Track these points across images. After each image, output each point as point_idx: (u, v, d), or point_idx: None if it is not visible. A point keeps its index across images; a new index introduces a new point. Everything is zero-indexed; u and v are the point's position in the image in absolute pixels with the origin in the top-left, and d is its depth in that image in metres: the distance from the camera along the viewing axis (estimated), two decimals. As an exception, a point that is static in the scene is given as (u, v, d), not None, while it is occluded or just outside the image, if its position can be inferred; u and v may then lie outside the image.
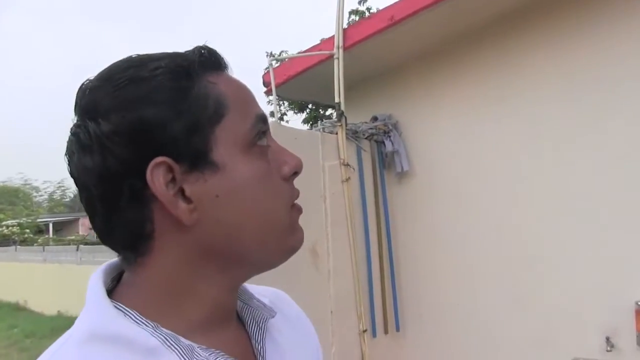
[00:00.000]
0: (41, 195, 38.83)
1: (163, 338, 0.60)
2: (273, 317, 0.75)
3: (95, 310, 0.62)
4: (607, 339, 2.56)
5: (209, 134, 0.62)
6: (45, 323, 11.82)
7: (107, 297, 0.63)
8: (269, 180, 0.66)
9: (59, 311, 12.90)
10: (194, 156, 0.61)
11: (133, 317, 0.62)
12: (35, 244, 18.94)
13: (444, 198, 3.35)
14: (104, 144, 0.59)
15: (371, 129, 3.42)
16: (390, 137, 3.44)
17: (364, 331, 3.13)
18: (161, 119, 0.59)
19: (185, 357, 0.60)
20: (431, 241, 3.41)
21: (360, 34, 3.19)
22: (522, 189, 2.98)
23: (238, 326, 0.73)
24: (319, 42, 3.70)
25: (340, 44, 3.22)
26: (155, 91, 0.60)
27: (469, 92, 3.21)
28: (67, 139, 0.64)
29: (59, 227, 29.77)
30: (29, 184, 36.81)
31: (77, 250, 13.72)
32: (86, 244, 16.14)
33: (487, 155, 3.12)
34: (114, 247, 0.66)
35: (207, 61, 0.65)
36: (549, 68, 2.85)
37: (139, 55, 0.65)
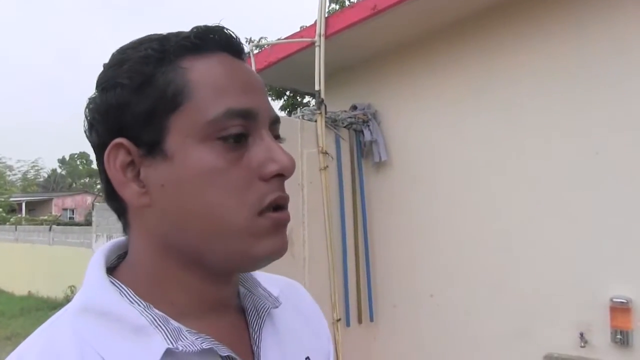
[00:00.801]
0: (15, 175, 38.17)
1: (152, 318, 0.61)
2: (277, 307, 0.74)
3: (91, 285, 0.64)
4: (581, 334, 2.57)
5: (163, 122, 0.61)
6: (15, 303, 11.78)
7: (104, 273, 0.64)
8: (221, 176, 0.61)
9: (29, 291, 12.84)
10: (149, 142, 0.61)
11: (128, 296, 0.63)
12: (7, 223, 18.65)
13: (421, 188, 3.33)
14: (91, 118, 0.65)
15: (350, 117, 3.38)
16: (369, 126, 3.41)
17: (338, 320, 3.11)
18: (124, 102, 0.61)
19: (170, 338, 0.59)
20: (407, 231, 3.40)
21: (342, 23, 3.14)
22: (499, 181, 2.97)
23: (237, 313, 0.72)
24: (299, 29, 3.64)
25: (322, 32, 3.18)
26: (124, 75, 0.62)
27: (449, 84, 3.19)
28: None
29: (32, 206, 29.46)
30: (2, 163, 36.10)
31: (50, 230, 13.55)
32: (59, 224, 15.98)
33: (466, 146, 3.10)
34: (115, 213, 0.69)
35: (190, 44, 0.63)
36: (529, 61, 2.84)
37: (147, 36, 0.67)
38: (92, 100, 0.65)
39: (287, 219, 0.66)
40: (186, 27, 0.67)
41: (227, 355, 0.63)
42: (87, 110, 0.65)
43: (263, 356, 0.68)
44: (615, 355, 2.49)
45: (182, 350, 0.59)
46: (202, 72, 0.62)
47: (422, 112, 3.33)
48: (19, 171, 38.25)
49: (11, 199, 26.52)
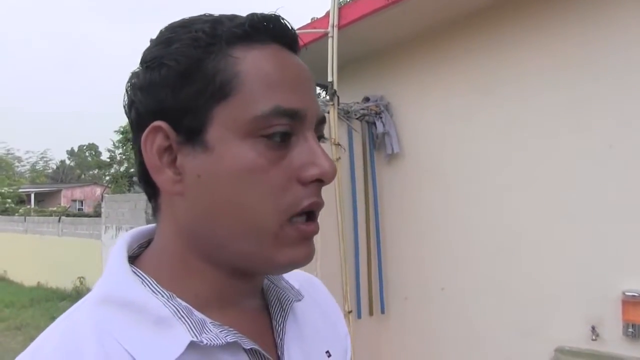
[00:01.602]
0: (23, 166, 38.44)
1: (175, 309, 0.59)
2: (299, 300, 0.72)
3: (112, 274, 0.62)
4: (593, 328, 2.57)
5: (207, 111, 0.58)
6: (24, 294, 11.78)
7: (126, 262, 0.63)
8: (260, 176, 0.58)
9: (38, 282, 12.87)
10: (190, 129, 0.59)
11: (150, 285, 0.61)
12: (16, 214, 18.75)
13: (432, 181, 3.33)
14: (132, 95, 0.62)
15: (363, 109, 3.39)
16: (381, 118, 3.41)
17: (349, 312, 3.12)
18: (168, 85, 0.59)
19: (194, 330, 0.57)
20: (418, 224, 3.40)
21: (355, 14, 3.14)
22: (510, 174, 2.96)
23: (260, 305, 0.71)
24: (310, 20, 3.63)
25: (335, 23, 3.17)
26: (171, 55, 0.59)
27: (461, 76, 3.18)
28: None
29: (41, 197, 29.58)
30: (11, 154, 36.35)
31: (59, 221, 13.60)
32: (68, 215, 16.03)
33: (478, 140, 3.10)
34: (147, 195, 0.68)
35: (243, 32, 0.60)
36: (541, 55, 2.82)
37: (199, 16, 0.64)
38: (135, 76, 0.63)
39: (315, 232, 0.63)
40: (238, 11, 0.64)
41: (251, 348, 0.61)
42: (128, 85, 0.63)
43: (286, 349, 0.67)
44: (626, 349, 2.49)
45: (206, 343, 0.57)
46: (253, 64, 0.59)
47: (435, 104, 3.33)
48: (28, 162, 38.58)
49: (20, 190, 26.63)
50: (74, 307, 0.62)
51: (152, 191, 0.65)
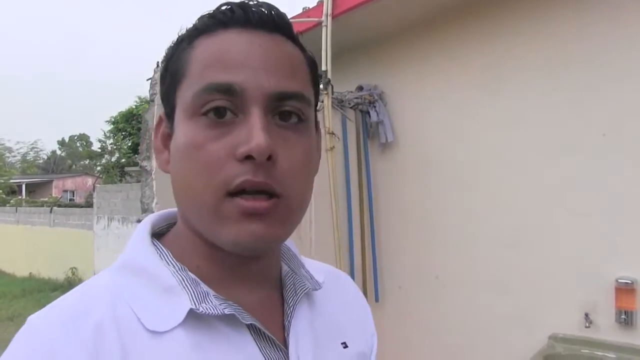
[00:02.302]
0: (14, 156, 38.16)
1: (182, 279, 0.64)
2: (317, 289, 0.75)
3: (134, 245, 0.68)
4: (586, 315, 2.59)
5: (173, 98, 0.66)
6: (16, 284, 11.81)
7: (148, 235, 0.69)
8: (198, 152, 0.61)
9: (30, 273, 12.90)
10: (168, 117, 0.68)
11: (166, 257, 0.66)
12: (7, 205, 18.66)
13: (427, 169, 3.33)
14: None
15: (357, 98, 3.38)
16: (375, 107, 3.41)
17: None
18: (159, 80, 0.69)
19: (195, 300, 0.62)
20: (412, 212, 3.41)
21: (349, 2, 3.11)
22: (505, 163, 2.97)
23: (275, 289, 0.74)
24: (301, 10, 3.60)
25: (329, 12, 3.15)
26: (168, 52, 0.69)
27: (457, 66, 3.18)
28: None
29: (32, 188, 29.43)
30: (1, 145, 36.08)
31: (51, 212, 13.55)
32: (59, 206, 15.98)
33: (472, 128, 3.10)
34: None
35: (201, 25, 0.66)
36: (539, 43, 2.82)
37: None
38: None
39: (258, 208, 0.60)
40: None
41: (251, 324, 0.64)
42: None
43: (293, 331, 0.69)
44: (619, 335, 2.51)
45: (202, 312, 0.60)
46: (201, 49, 0.64)
47: (429, 93, 3.32)
48: (19, 153, 38.32)
49: (11, 181, 26.47)
50: (99, 273, 0.68)
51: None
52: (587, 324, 2.58)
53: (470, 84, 3.11)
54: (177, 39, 0.68)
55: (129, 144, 14.61)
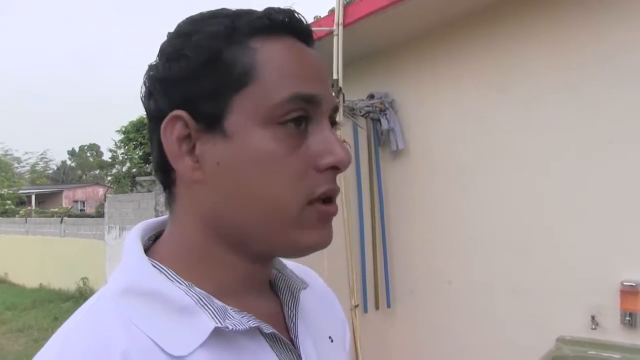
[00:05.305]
0: (23, 167, 38.29)
1: (197, 297, 0.61)
2: (305, 288, 0.75)
3: (132, 266, 0.64)
4: (593, 317, 2.65)
5: (227, 100, 0.61)
6: (26, 296, 11.75)
7: (144, 254, 0.65)
8: (280, 163, 0.61)
9: (40, 284, 12.82)
10: (210, 118, 0.61)
11: (169, 275, 0.63)
12: (17, 216, 18.73)
13: (438, 176, 3.40)
14: (151, 87, 0.65)
15: (368, 106, 3.45)
16: (386, 115, 3.48)
17: (356, 306, 3.18)
18: (188, 75, 0.61)
19: (217, 317, 0.60)
20: (423, 219, 3.47)
21: (360, 12, 3.18)
22: (514, 169, 3.04)
23: (271, 294, 0.74)
24: (313, 19, 3.69)
25: (341, 21, 3.22)
26: (191, 47, 0.62)
27: (468, 73, 3.24)
28: None
29: (42, 199, 29.56)
30: (9, 155, 36.25)
31: (61, 222, 13.61)
32: (70, 216, 15.99)
33: (483, 136, 3.17)
34: (162, 185, 0.70)
35: (261, 25, 0.63)
36: (551, 54, 2.88)
37: (219, 10, 0.66)
38: (153, 68, 0.65)
39: (335, 212, 0.66)
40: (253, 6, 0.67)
41: (270, 333, 0.64)
42: (146, 77, 0.65)
43: (299, 331, 0.70)
44: (624, 336, 2.58)
45: (231, 329, 0.59)
46: (271, 54, 0.62)
47: (440, 101, 3.39)
48: (27, 163, 38.39)
49: (20, 192, 26.55)
50: (92, 299, 0.64)
51: (168, 181, 0.67)
52: (594, 326, 2.64)
53: (481, 91, 3.18)
54: (217, 34, 0.62)
55: (140, 154, 14.62)
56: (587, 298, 2.70)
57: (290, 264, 0.80)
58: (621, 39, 2.63)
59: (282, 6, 0.65)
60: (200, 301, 0.61)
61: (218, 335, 0.60)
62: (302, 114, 0.62)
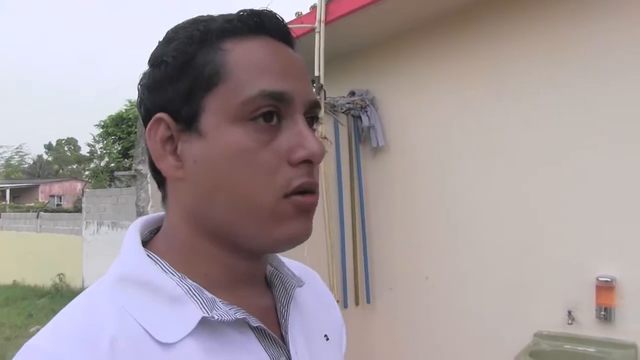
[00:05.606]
0: (-3, 161, 37.68)
1: (188, 288, 0.64)
2: (301, 286, 0.77)
3: (128, 257, 0.67)
4: (569, 312, 2.70)
5: (200, 101, 0.64)
6: (0, 292, 11.57)
7: (141, 245, 0.68)
8: (251, 158, 0.63)
9: (14, 280, 12.61)
10: (187, 118, 0.64)
11: (163, 267, 0.66)
12: (-10, 211, 18.38)
13: (417, 173, 3.43)
14: (141, 93, 0.69)
15: (349, 103, 3.46)
16: (367, 112, 3.49)
17: (337, 302, 3.19)
18: (167, 79, 0.65)
19: (206, 308, 0.62)
20: (403, 215, 3.50)
21: (342, 9, 3.19)
22: (490, 168, 3.08)
23: (265, 290, 0.76)
24: (294, 15, 3.68)
25: (322, 18, 3.23)
26: (169, 53, 0.65)
27: (447, 72, 3.27)
28: None
29: (17, 193, 29.11)
30: (-18, 149, 35.57)
31: (37, 217, 13.44)
32: (46, 211, 15.78)
33: (462, 133, 3.21)
34: (156, 183, 0.73)
35: (232, 27, 0.65)
36: (532, 53, 2.92)
37: (199, 16, 0.70)
38: (143, 76, 0.69)
39: (312, 202, 0.67)
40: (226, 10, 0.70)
41: (257, 326, 0.65)
42: (139, 85, 0.69)
43: (290, 329, 0.72)
44: (599, 330, 2.64)
45: (217, 319, 0.61)
46: (240, 54, 0.64)
47: (420, 99, 3.42)
48: (2, 157, 37.83)
49: (-7, 186, 26.11)
50: (90, 287, 0.66)
51: (161, 179, 0.70)
52: (570, 321, 2.69)
53: (461, 89, 3.22)
54: (192, 38, 0.65)
55: (119, 149, 14.50)
56: (564, 293, 2.75)
57: (290, 262, 0.83)
58: (614, 38, 2.65)
59: (258, 7, 0.68)
60: (190, 292, 0.63)
61: (206, 325, 0.62)
62: (272, 109, 0.63)
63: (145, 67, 0.70)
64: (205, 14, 0.70)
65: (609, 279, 2.59)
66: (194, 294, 0.63)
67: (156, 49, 0.68)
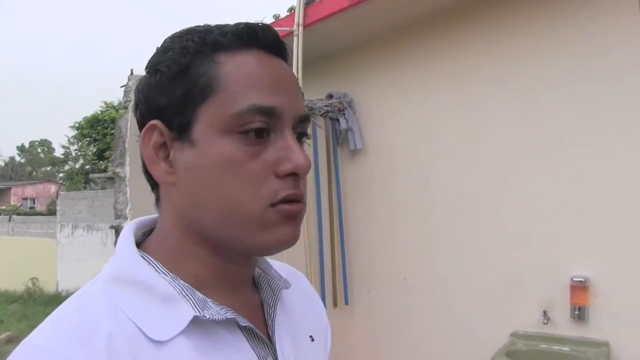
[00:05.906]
0: (-32, 163, 36.88)
1: (180, 288, 0.66)
2: (287, 288, 0.79)
3: (122, 257, 0.69)
4: (545, 312, 2.74)
5: (192, 111, 0.66)
6: (-34, 298, 11.24)
7: (135, 246, 0.70)
8: (239, 168, 0.65)
9: (-17, 285, 12.36)
10: (180, 127, 0.67)
11: (156, 267, 0.68)
12: (-40, 214, 17.99)
13: (394, 176, 3.45)
14: (137, 98, 0.71)
15: (327, 106, 3.48)
16: (344, 114, 3.51)
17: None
18: (162, 88, 0.67)
19: (197, 307, 0.65)
20: (380, 217, 3.52)
21: (321, 12, 3.20)
22: (465, 170, 3.12)
23: (253, 291, 0.78)
24: (273, 19, 3.69)
25: (301, 21, 3.24)
26: (165, 62, 0.67)
27: (425, 75, 3.30)
28: None
29: (-12, 196, 28.55)
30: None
31: (10, 220, 13.21)
32: (19, 214, 15.52)
33: (440, 135, 3.24)
34: (150, 186, 0.75)
35: (226, 40, 0.67)
36: (510, 49, 2.94)
37: (195, 26, 0.72)
38: (140, 82, 0.71)
39: (298, 210, 0.68)
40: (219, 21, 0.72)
41: (246, 326, 0.68)
42: (136, 90, 0.72)
43: (276, 329, 0.74)
44: (573, 329, 2.68)
45: (208, 318, 0.64)
46: (233, 68, 0.66)
47: (398, 101, 3.44)
48: (-27, 160, 37.05)
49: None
50: (85, 286, 0.68)
51: (154, 183, 0.73)
52: (545, 321, 2.73)
53: (438, 92, 3.24)
54: (187, 49, 0.67)
55: (94, 150, 14.31)
56: (540, 294, 2.79)
57: (277, 265, 0.85)
58: (606, 38, 2.66)
59: (252, 21, 0.70)
60: (183, 292, 0.66)
61: (197, 324, 0.64)
62: (263, 125, 0.66)
63: (142, 70, 0.73)
64: (202, 24, 0.72)
65: (582, 279, 2.63)
66: (187, 294, 0.66)
67: (153, 56, 0.71)
